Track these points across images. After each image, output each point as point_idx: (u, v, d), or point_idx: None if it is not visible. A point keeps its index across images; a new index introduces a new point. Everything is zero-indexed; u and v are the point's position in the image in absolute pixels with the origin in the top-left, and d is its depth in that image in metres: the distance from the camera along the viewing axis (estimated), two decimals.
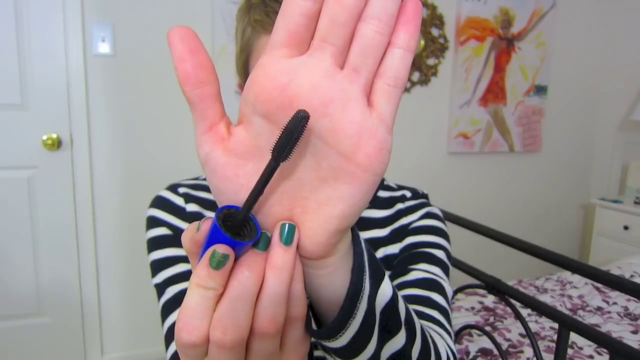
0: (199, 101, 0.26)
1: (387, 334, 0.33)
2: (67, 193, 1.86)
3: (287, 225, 0.26)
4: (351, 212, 0.26)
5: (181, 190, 0.63)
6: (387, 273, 0.60)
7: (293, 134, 0.23)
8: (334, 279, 0.29)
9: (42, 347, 1.92)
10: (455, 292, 1.10)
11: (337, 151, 0.25)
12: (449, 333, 0.50)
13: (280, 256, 0.26)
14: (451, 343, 0.48)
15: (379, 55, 0.25)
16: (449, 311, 0.54)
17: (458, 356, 1.24)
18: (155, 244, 0.60)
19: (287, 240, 0.26)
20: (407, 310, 0.36)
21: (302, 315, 0.28)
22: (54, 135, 1.79)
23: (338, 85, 0.24)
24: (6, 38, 1.70)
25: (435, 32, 2.31)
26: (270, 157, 0.24)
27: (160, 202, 0.62)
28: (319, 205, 0.26)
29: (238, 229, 0.26)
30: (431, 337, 0.41)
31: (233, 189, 0.27)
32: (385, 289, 0.33)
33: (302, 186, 0.27)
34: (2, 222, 1.80)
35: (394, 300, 0.33)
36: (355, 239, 0.31)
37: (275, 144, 0.24)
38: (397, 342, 0.34)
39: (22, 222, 1.82)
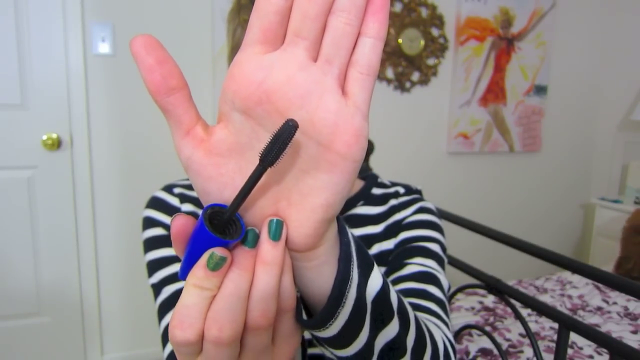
0: (173, 108, 0.26)
1: (379, 324, 0.33)
2: (67, 193, 1.86)
3: (274, 221, 0.27)
4: (335, 200, 0.27)
5: (176, 190, 0.63)
6: (383, 269, 0.60)
7: (282, 142, 0.24)
8: (322, 271, 0.30)
9: (42, 347, 1.92)
10: (455, 292, 1.10)
11: (317, 141, 0.26)
12: (446, 324, 0.50)
13: (269, 252, 0.27)
14: (448, 333, 0.48)
15: (350, 46, 0.26)
16: (446, 303, 0.54)
17: (458, 356, 1.24)
18: (151, 244, 0.60)
19: (276, 236, 0.27)
20: (400, 300, 0.36)
21: (291, 307, 0.29)
22: (54, 135, 1.79)
23: (313, 77, 0.25)
24: (6, 38, 1.70)
25: (435, 32, 2.31)
26: (258, 160, 0.25)
27: (155, 203, 0.62)
28: (303, 196, 0.27)
29: (224, 227, 0.26)
30: (427, 326, 0.41)
31: (218, 187, 0.27)
32: (375, 279, 0.33)
33: (285, 179, 0.27)
34: (2, 222, 1.80)
35: (384, 289, 0.34)
36: (342, 230, 0.31)
37: (264, 150, 0.24)
38: (391, 331, 0.34)
39: (22, 222, 1.82)
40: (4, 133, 1.75)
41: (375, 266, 0.34)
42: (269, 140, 0.24)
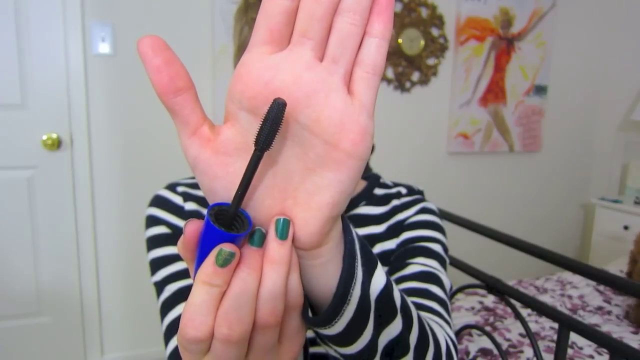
0: (180, 109, 0.26)
1: (383, 321, 0.34)
2: (67, 193, 1.86)
3: (281, 220, 0.27)
4: (341, 199, 0.27)
5: (180, 189, 0.63)
6: (385, 269, 0.61)
7: (273, 122, 0.24)
8: (327, 269, 0.30)
9: (42, 347, 1.92)
10: (455, 292, 1.10)
11: (323, 139, 0.26)
12: (448, 323, 0.50)
13: (277, 251, 0.27)
14: (451, 332, 0.49)
15: (355, 46, 0.26)
16: (448, 302, 0.54)
17: (458, 356, 1.24)
18: (154, 242, 0.60)
19: (283, 234, 0.27)
20: (403, 299, 0.36)
21: (298, 304, 0.29)
22: (54, 135, 1.79)
23: (319, 77, 0.25)
24: (6, 38, 1.70)
25: (435, 32, 2.31)
26: (254, 146, 0.25)
27: (159, 201, 0.62)
28: (309, 195, 0.27)
29: (230, 223, 0.26)
30: (429, 325, 0.41)
31: (225, 186, 0.27)
32: (379, 277, 0.33)
33: (292, 178, 0.27)
34: (2, 222, 1.80)
35: (388, 287, 0.34)
36: (346, 228, 0.31)
37: (258, 134, 0.24)
38: (394, 329, 0.34)
39: (22, 222, 1.82)
40: (4, 133, 1.75)
41: (379, 264, 0.34)
42: (261, 123, 0.24)
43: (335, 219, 0.28)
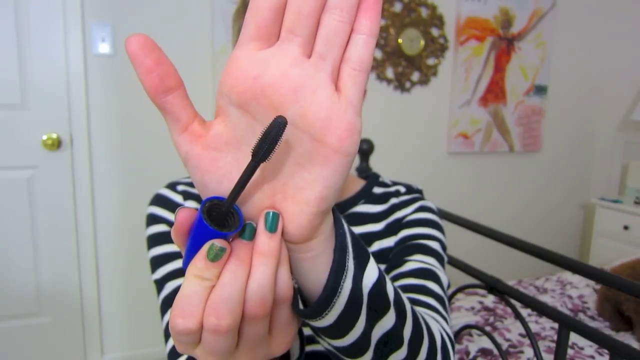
0: (171, 107, 0.27)
1: (376, 315, 0.34)
2: (67, 193, 1.86)
3: (271, 213, 0.28)
4: (329, 194, 0.28)
5: (180, 188, 0.64)
6: (383, 267, 0.61)
7: (273, 138, 0.24)
8: (318, 262, 0.30)
9: (42, 347, 1.92)
10: (455, 292, 1.10)
11: (310, 135, 0.26)
12: (444, 318, 0.51)
13: (266, 244, 0.27)
14: (447, 327, 0.49)
15: (343, 43, 0.26)
16: (445, 298, 0.55)
17: (458, 356, 1.24)
18: (154, 240, 0.61)
19: (272, 227, 0.27)
20: (397, 292, 0.37)
21: (288, 297, 0.29)
22: (54, 135, 1.79)
23: (306, 73, 0.26)
24: (6, 38, 1.70)
25: (435, 32, 2.31)
26: (251, 156, 0.25)
27: (159, 200, 0.63)
28: (297, 189, 0.28)
29: (222, 219, 0.27)
30: (424, 319, 0.41)
31: (216, 180, 0.28)
32: (371, 270, 0.33)
33: (281, 173, 0.28)
34: (2, 222, 1.80)
35: (381, 281, 0.34)
36: (337, 222, 0.32)
37: (256, 146, 0.25)
38: (387, 322, 0.35)
39: (22, 222, 1.82)
40: (4, 133, 1.75)
41: (372, 258, 0.34)
42: (260, 136, 0.25)
43: (324, 213, 0.29)
